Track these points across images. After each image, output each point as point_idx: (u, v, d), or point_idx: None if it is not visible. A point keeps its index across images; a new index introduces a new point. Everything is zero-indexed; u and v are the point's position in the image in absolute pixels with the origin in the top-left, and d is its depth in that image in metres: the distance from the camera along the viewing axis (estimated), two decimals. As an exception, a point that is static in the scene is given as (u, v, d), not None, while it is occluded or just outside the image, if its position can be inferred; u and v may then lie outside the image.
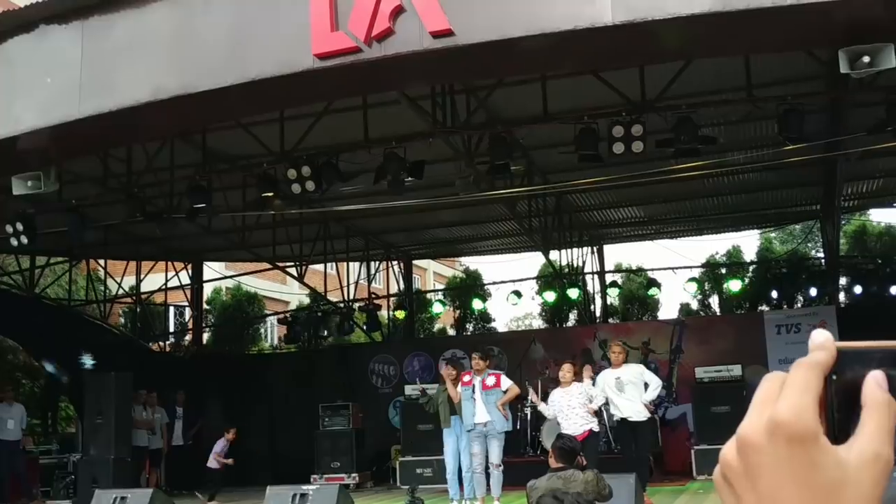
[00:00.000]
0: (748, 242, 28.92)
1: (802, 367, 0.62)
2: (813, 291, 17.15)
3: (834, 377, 0.63)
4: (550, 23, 7.27)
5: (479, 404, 10.69)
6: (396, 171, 11.05)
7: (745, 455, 0.62)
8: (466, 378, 10.98)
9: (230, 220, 14.74)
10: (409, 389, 16.16)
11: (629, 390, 10.52)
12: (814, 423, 0.60)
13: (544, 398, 14.49)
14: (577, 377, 10.88)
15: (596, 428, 10.51)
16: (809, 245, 24.80)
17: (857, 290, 17.36)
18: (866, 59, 7.32)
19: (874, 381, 0.61)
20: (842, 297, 18.01)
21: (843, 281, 18.19)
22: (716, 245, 20.44)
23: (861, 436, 0.60)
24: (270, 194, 11.67)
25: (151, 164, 12.33)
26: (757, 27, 7.41)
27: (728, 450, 0.63)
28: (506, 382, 10.96)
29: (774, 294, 17.38)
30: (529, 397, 12.05)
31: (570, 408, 10.38)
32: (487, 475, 10.93)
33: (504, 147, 10.90)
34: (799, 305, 17.74)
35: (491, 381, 10.84)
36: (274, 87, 8.21)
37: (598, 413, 10.82)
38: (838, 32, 7.45)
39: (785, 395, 0.61)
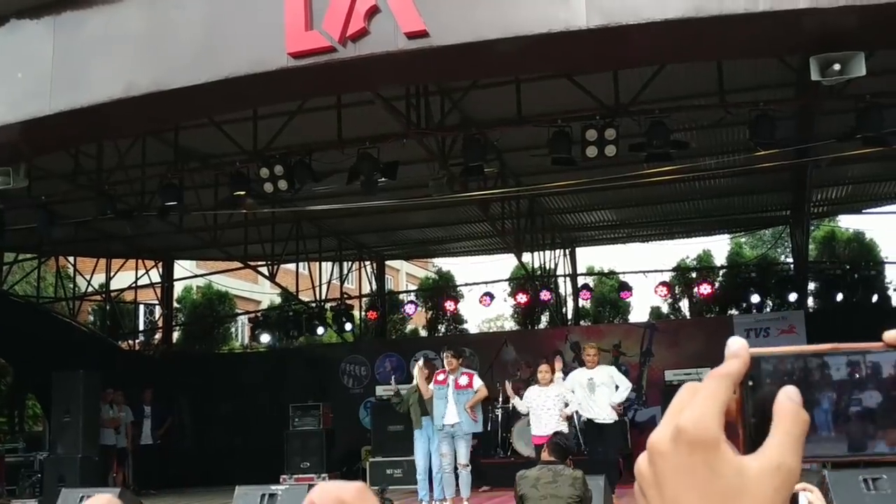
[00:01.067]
0: (718, 247, 29.16)
1: (713, 378, 0.63)
2: (783, 296, 17.29)
3: (750, 383, 0.65)
4: (525, 26, 7.30)
5: (451, 404, 10.68)
6: (370, 172, 11.03)
7: (653, 463, 0.63)
8: (441, 377, 10.94)
9: (202, 218, 14.64)
10: (381, 390, 16.14)
11: (600, 392, 10.56)
12: (715, 430, 0.61)
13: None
14: (554, 374, 10.89)
15: (565, 430, 10.53)
16: (779, 250, 25.04)
17: (826, 295, 17.54)
18: (837, 66, 7.40)
19: (785, 394, 0.62)
20: (810, 301, 18.20)
21: (811, 286, 18.37)
22: (686, 249, 20.58)
23: (767, 446, 0.62)
24: (242, 193, 11.61)
25: (123, 162, 12.24)
26: (729, 33, 7.48)
27: (641, 460, 0.65)
28: (477, 383, 10.96)
29: (746, 300, 17.49)
30: (507, 391, 11.99)
31: (545, 408, 10.40)
32: (457, 475, 10.92)
33: (478, 149, 10.92)
34: (768, 310, 17.89)
35: (464, 380, 10.84)
36: (248, 86, 8.18)
37: (569, 417, 10.85)
38: (810, 40, 7.53)
39: (691, 405, 0.62)
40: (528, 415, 10.98)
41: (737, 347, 0.64)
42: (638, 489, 0.66)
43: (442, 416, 10.73)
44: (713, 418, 0.61)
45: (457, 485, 10.93)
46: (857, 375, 0.66)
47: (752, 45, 8.00)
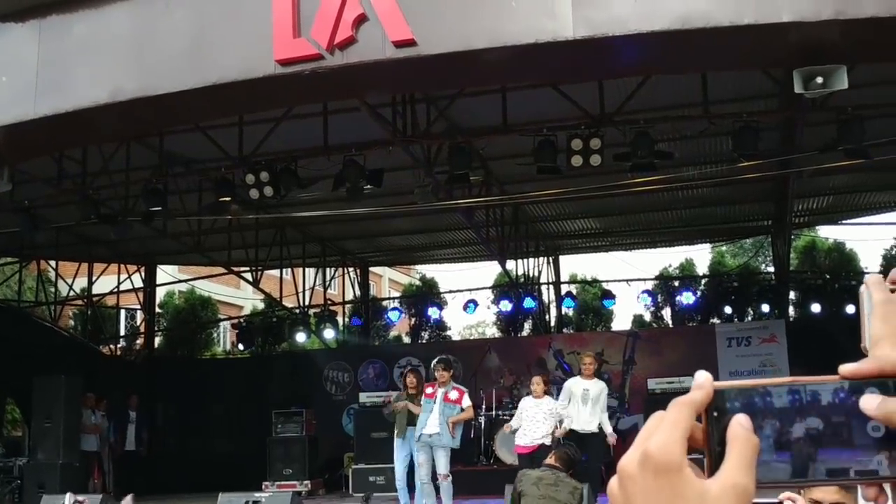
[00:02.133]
0: (701, 256, 29.40)
1: (676, 406, 0.70)
2: (764, 306, 17.41)
3: (715, 414, 0.70)
4: (513, 36, 7.34)
5: (434, 416, 10.62)
6: (355, 179, 11.04)
7: (623, 485, 0.69)
8: (429, 391, 10.85)
9: (185, 223, 14.61)
10: (364, 397, 16.13)
11: (591, 405, 10.61)
12: (678, 455, 0.67)
13: (499, 406, 14.59)
14: (548, 387, 10.93)
15: (548, 443, 10.50)
16: (759, 259, 25.20)
17: (807, 304, 17.67)
18: (820, 79, 7.48)
19: (737, 421, 0.68)
20: (791, 311, 18.33)
21: (792, 295, 18.50)
22: (669, 258, 20.74)
23: (723, 469, 0.67)
24: (228, 199, 11.59)
25: (107, 166, 12.19)
26: (715, 46, 7.55)
27: (612, 482, 0.71)
28: (466, 402, 10.84)
29: (728, 309, 17.59)
30: (504, 429, 11.88)
31: (535, 420, 10.40)
32: (437, 486, 10.89)
33: (463, 157, 10.95)
34: (749, 318, 18.01)
35: (454, 395, 10.72)
36: (235, 92, 8.17)
37: (557, 436, 10.84)
38: (793, 53, 7.60)
39: (657, 431, 0.68)
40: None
41: (702, 380, 0.71)
42: None
43: (423, 426, 10.70)
44: (676, 444, 0.67)
45: (438, 496, 10.90)
46: (800, 404, 0.71)
47: (737, 57, 8.07)
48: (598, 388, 10.82)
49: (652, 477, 0.67)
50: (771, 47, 7.60)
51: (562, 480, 6.40)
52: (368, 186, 11.21)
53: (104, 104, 8.35)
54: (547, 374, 11.14)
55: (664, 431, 0.68)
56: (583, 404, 10.54)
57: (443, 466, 10.69)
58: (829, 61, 7.47)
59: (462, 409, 10.75)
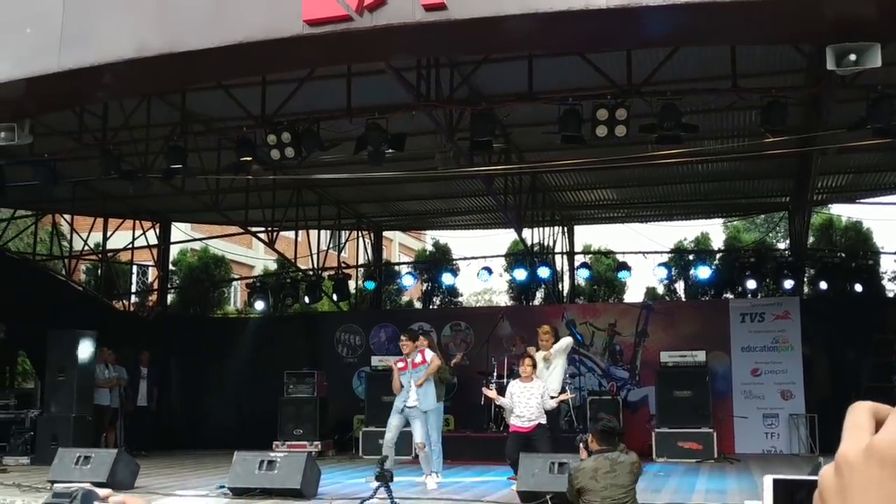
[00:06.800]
0: (714, 230, 29.23)
1: None
2: (783, 282, 17.31)
3: None
4: (545, 2, 7.25)
5: (413, 386, 10.84)
6: (377, 143, 10.97)
7: (840, 474, 0.68)
8: (401, 365, 11.09)
9: (203, 181, 14.57)
10: (376, 360, 16.18)
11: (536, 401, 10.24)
12: None
13: (510, 373, 14.58)
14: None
15: (544, 421, 10.34)
16: (771, 235, 25.07)
17: (821, 282, 17.58)
18: (853, 56, 7.39)
19: None
20: (805, 288, 18.25)
21: (807, 273, 18.40)
22: (683, 231, 20.58)
23: None
24: (249, 158, 11.53)
25: (128, 122, 12.15)
26: (748, 18, 7.44)
27: (826, 471, 0.70)
28: (429, 355, 11.01)
29: (746, 283, 17.44)
30: (487, 394, 11.74)
31: (528, 403, 10.18)
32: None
33: (486, 123, 10.87)
34: (763, 295, 17.95)
35: (418, 358, 10.93)
36: (261, 52, 8.11)
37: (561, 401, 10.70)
38: (827, 28, 7.50)
39: (887, 425, 0.67)
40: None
41: None
42: (818, 499, 0.70)
43: (404, 399, 10.87)
44: None
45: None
46: None
47: (771, 31, 7.96)
48: (535, 389, 10.40)
49: (878, 468, 0.65)
50: (806, 22, 7.50)
51: (618, 463, 6.18)
52: (390, 150, 11.14)
53: (128, 59, 8.29)
54: (533, 357, 10.79)
55: (894, 427, 0.66)
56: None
57: (419, 436, 10.74)
58: (862, 38, 7.37)
59: (428, 366, 10.86)
